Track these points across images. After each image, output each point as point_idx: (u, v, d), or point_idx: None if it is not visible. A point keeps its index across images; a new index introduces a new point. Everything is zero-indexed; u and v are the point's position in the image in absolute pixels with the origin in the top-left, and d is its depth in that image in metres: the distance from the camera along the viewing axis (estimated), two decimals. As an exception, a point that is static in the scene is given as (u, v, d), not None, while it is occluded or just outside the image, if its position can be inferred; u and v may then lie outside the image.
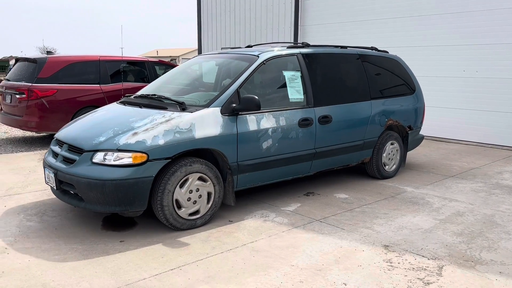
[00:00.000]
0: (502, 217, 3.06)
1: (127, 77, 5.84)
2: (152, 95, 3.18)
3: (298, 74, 3.26)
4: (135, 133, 2.49)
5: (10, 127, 6.58)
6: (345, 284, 1.96)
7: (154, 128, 2.51)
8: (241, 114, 2.81)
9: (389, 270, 2.13)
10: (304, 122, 3.14)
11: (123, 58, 5.72)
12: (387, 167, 4.01)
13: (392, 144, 4.00)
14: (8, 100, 5.19)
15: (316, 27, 7.76)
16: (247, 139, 2.82)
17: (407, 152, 4.39)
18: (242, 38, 9.08)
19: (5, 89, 5.24)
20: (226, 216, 2.98)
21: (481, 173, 4.52)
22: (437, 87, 6.34)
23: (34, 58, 5.30)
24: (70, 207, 3.08)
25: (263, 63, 3.08)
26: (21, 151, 5.46)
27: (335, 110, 3.38)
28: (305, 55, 3.37)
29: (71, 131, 2.92)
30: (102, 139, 2.52)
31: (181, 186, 2.51)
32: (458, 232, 2.71)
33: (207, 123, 2.65)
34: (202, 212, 2.67)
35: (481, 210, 3.21)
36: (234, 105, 2.76)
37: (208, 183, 2.65)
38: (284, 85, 3.16)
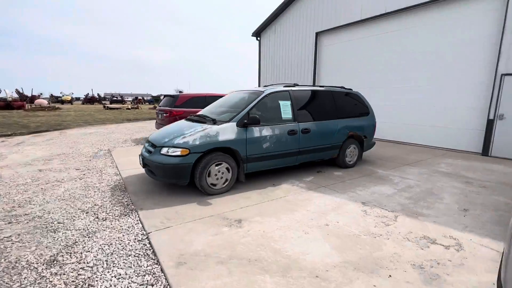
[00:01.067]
0: (438, 189, 4.29)
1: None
2: (201, 115, 4.77)
3: (288, 102, 4.73)
4: (184, 137, 3.87)
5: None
6: (338, 222, 3.20)
7: (194, 134, 3.89)
8: (249, 126, 4.19)
9: (364, 216, 3.36)
10: (291, 132, 4.58)
11: (215, 94, 8.88)
12: (349, 161, 5.57)
13: (353, 147, 5.61)
14: (160, 116, 8.51)
15: (325, 75, 11.34)
16: (252, 141, 4.19)
17: (364, 152, 6.38)
18: (283, 78, 13.24)
19: (159, 111, 8.71)
20: (271, 182, 4.44)
21: (425, 163, 5.94)
22: (399, 109, 8.85)
23: (172, 95, 8.77)
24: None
25: (266, 96, 4.54)
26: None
27: (313, 125, 4.91)
28: (293, 91, 4.87)
29: (154, 134, 4.45)
30: (166, 140, 3.97)
31: (215, 165, 3.88)
32: (408, 197, 3.96)
33: (227, 131, 4.01)
34: (220, 185, 3.98)
35: (424, 185, 4.49)
36: (245, 121, 4.15)
37: (227, 167, 4.01)
38: (279, 109, 4.60)
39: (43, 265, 2.33)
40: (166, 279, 2.16)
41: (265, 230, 2.94)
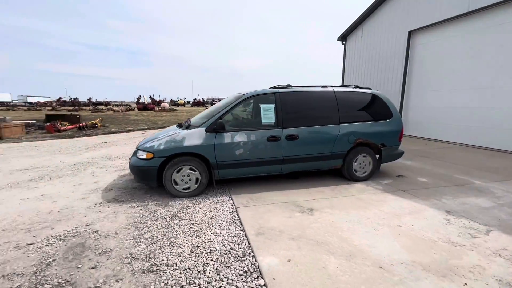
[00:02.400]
0: None
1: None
2: (187, 119, 4.48)
3: (272, 106, 4.19)
4: (153, 141, 3.91)
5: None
6: (412, 225, 3.09)
7: (162, 139, 3.89)
8: (219, 132, 3.91)
9: (446, 224, 3.12)
10: (272, 138, 4.08)
11: None
12: (358, 173, 4.64)
13: (364, 156, 4.62)
14: None
15: (418, 75, 10.09)
16: (223, 148, 3.89)
17: (389, 162, 5.15)
18: (368, 81, 12.52)
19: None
20: (344, 181, 4.54)
21: None
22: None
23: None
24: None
25: (244, 99, 4.15)
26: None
27: (302, 131, 4.24)
28: (281, 93, 4.28)
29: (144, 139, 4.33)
30: (142, 143, 4.02)
31: (177, 172, 3.80)
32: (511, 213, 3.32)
33: (193, 137, 3.85)
34: (192, 188, 3.87)
35: (547, 205, 3.59)
36: (214, 126, 3.91)
37: (196, 172, 3.88)
38: (259, 113, 4.17)
39: (169, 217, 3.29)
40: (248, 242, 2.72)
41: (334, 220, 3.15)
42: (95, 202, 3.70)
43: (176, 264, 2.35)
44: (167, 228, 2.99)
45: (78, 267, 2.32)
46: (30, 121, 13.66)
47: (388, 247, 2.60)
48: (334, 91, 4.56)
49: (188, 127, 4.08)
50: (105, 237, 2.79)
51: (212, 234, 2.86)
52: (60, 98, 61.45)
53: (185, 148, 3.80)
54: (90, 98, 65.31)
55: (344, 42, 14.19)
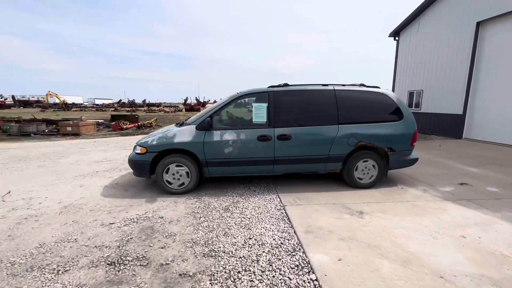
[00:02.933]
0: None
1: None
2: (187, 118, 4.60)
3: (265, 105, 4.11)
4: (149, 137, 4.16)
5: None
6: (479, 237, 2.80)
7: (156, 135, 4.11)
8: (209, 130, 3.99)
9: None
10: (263, 138, 4.02)
11: None
12: (360, 179, 4.31)
13: (368, 161, 4.27)
14: None
15: (488, 70, 9.16)
16: (211, 145, 3.96)
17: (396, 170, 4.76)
18: (422, 80, 11.87)
19: None
20: (399, 185, 4.39)
21: None
22: None
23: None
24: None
25: (237, 98, 4.18)
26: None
27: (296, 131, 4.09)
28: (275, 92, 4.19)
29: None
30: (140, 138, 4.32)
31: (166, 172, 3.99)
32: None
33: (184, 134, 3.98)
34: (185, 184, 4.03)
35: None
36: (204, 124, 4.00)
37: (185, 167, 4.00)
38: (251, 112, 4.13)
39: (221, 210, 3.54)
40: (298, 238, 2.79)
41: (387, 225, 3.03)
42: (158, 192, 4.17)
43: (231, 252, 2.55)
44: (221, 219, 3.23)
45: (150, 246, 2.67)
46: (99, 120, 15.69)
47: (450, 258, 2.43)
48: (334, 90, 4.30)
49: (182, 124, 4.24)
50: (169, 223, 3.15)
51: (262, 228, 3.00)
52: (120, 100, 69.56)
53: (175, 144, 3.95)
54: (144, 100, 72.69)
55: (396, 38, 13.33)
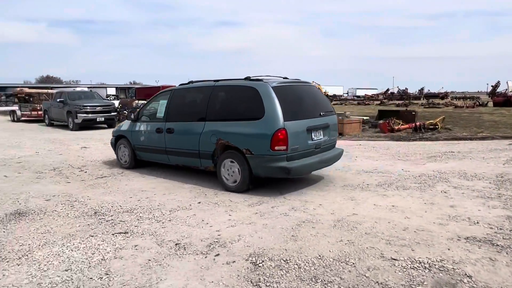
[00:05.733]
0: None
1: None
2: None
3: (165, 102, 5.18)
4: (117, 127, 6.36)
5: None
6: None
7: (119, 126, 6.28)
8: (134, 121, 5.61)
9: None
10: (158, 130, 5.11)
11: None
12: (228, 181, 4.28)
13: (232, 162, 4.22)
14: None
15: None
16: (134, 134, 5.55)
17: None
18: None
19: None
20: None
21: None
22: None
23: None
24: None
25: (157, 95, 5.56)
26: None
27: (177, 125, 4.90)
28: (176, 90, 5.27)
29: None
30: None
31: (120, 149, 5.98)
32: None
33: (125, 124, 5.87)
34: (128, 161, 5.85)
35: None
36: (133, 117, 5.62)
37: (126, 149, 5.79)
38: (162, 107, 5.29)
39: None
40: None
41: None
42: (458, 234, 2.87)
43: None
44: None
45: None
46: (364, 117, 12.47)
47: None
48: (213, 86, 4.64)
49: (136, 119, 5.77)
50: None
51: None
52: (387, 90, 54.06)
53: (121, 132, 5.86)
54: (422, 89, 51.53)
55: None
